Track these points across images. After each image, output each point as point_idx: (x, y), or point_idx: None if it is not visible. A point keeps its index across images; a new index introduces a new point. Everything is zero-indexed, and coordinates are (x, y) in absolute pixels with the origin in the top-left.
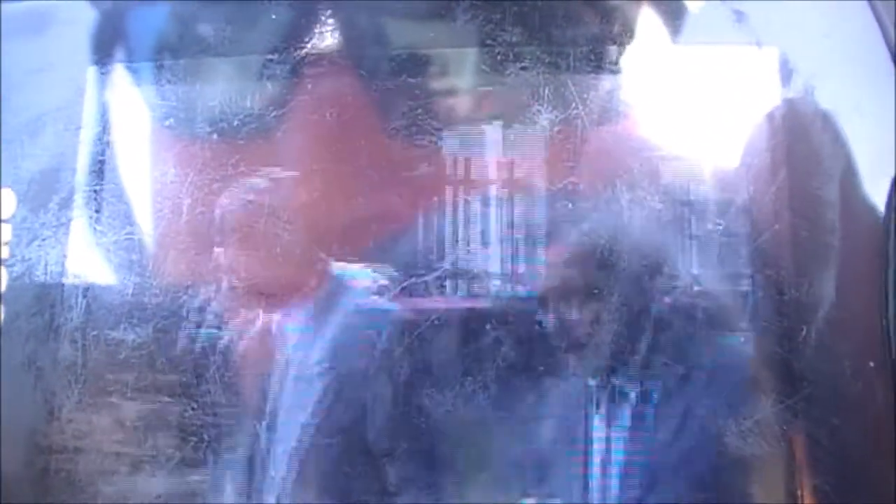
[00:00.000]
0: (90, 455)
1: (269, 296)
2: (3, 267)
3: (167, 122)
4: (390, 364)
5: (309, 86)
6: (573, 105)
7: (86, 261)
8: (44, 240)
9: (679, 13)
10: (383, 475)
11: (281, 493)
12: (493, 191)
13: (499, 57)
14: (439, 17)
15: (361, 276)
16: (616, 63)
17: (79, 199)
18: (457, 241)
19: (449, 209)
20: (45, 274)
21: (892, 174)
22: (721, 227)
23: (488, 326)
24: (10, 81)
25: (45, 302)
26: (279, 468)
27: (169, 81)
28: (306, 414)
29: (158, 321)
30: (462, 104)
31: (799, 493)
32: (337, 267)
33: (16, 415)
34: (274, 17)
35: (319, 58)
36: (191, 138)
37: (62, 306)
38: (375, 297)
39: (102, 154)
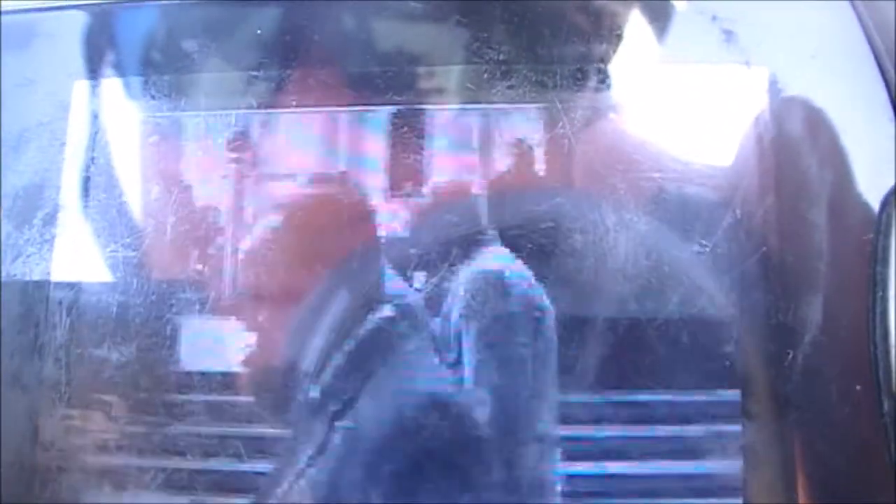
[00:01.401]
0: (74, 473)
1: (256, 314)
2: None
3: (152, 139)
4: (381, 381)
5: (294, 102)
6: (560, 124)
7: (70, 278)
8: (28, 256)
9: (668, 32)
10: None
11: None
12: (479, 209)
13: (485, 75)
14: (426, 35)
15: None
16: (604, 82)
17: (63, 215)
18: (441, 260)
19: (434, 226)
20: (30, 291)
21: (880, 196)
22: (708, 249)
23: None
24: None
25: (29, 319)
26: (262, 488)
27: (154, 97)
28: (291, 433)
29: (143, 339)
30: (448, 122)
31: None
32: (325, 282)
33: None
34: (259, 31)
35: (305, 74)
36: (176, 155)
37: (46, 324)
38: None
39: (87, 170)
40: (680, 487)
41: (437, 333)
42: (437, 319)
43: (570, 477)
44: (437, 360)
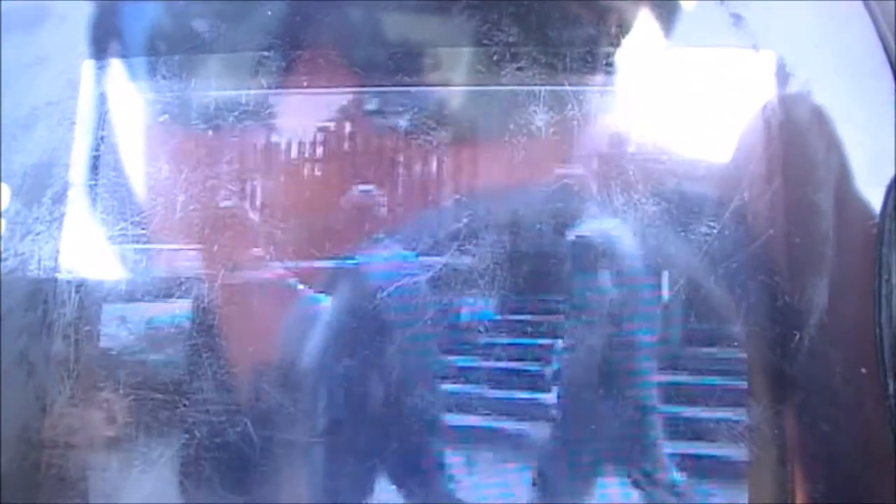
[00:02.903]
0: (81, 451)
1: (264, 293)
2: None
3: (162, 118)
4: (383, 362)
5: (304, 83)
6: (569, 106)
7: (79, 256)
8: (37, 234)
9: (676, 15)
10: (376, 474)
11: (270, 491)
12: (487, 191)
13: (495, 57)
14: (436, 17)
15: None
16: (612, 65)
17: (72, 193)
18: (448, 241)
19: (442, 208)
20: (39, 269)
21: (887, 181)
22: (715, 232)
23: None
24: (3, 75)
25: (37, 297)
26: (270, 465)
27: (164, 77)
28: (298, 411)
29: (151, 317)
30: (457, 104)
31: (790, 499)
32: (328, 264)
33: (8, 410)
34: (269, 13)
35: (315, 55)
36: (185, 134)
37: (55, 302)
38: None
39: (96, 149)
40: (685, 466)
41: None
42: None
43: None
44: None
